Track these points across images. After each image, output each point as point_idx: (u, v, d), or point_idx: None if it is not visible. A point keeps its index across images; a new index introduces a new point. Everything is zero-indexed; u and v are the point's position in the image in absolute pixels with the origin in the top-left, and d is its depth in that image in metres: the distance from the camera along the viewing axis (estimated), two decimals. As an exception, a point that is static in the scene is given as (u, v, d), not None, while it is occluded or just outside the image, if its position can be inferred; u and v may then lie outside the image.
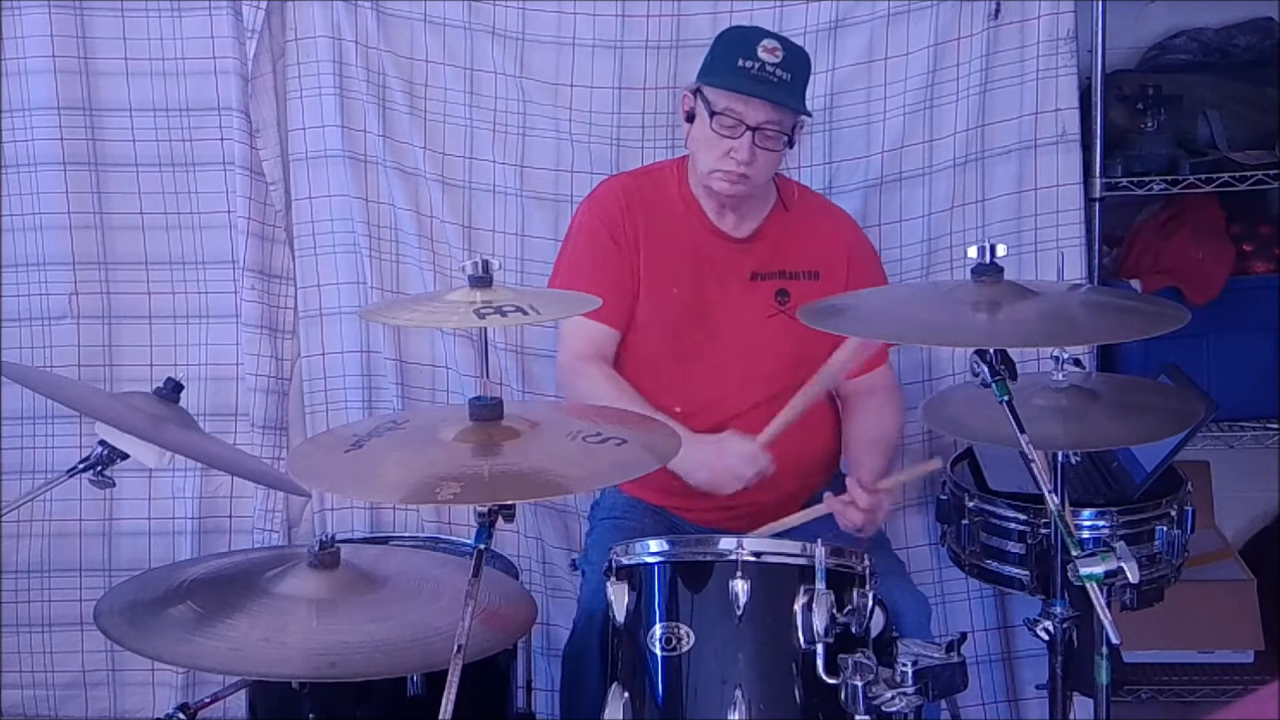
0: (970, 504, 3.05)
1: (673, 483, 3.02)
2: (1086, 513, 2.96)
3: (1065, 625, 2.68)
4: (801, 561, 2.52)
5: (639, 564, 2.61)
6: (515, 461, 2.22)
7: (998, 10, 3.50)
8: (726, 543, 2.57)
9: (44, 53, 3.52)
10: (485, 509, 2.21)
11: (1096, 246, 3.58)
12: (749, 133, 3.01)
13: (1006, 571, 3.01)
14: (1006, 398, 2.44)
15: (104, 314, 3.64)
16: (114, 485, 2.57)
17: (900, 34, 3.52)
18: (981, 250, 2.56)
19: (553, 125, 3.57)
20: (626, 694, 2.54)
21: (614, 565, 2.62)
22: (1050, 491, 2.45)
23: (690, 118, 3.11)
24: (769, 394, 3.12)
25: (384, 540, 3.36)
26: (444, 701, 2.13)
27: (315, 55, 3.56)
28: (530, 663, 3.07)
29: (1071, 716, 2.78)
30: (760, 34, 3.09)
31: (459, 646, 2.15)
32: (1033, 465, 2.43)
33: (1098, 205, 3.57)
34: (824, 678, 2.46)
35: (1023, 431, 2.42)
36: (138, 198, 3.60)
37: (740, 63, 3.02)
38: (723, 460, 2.98)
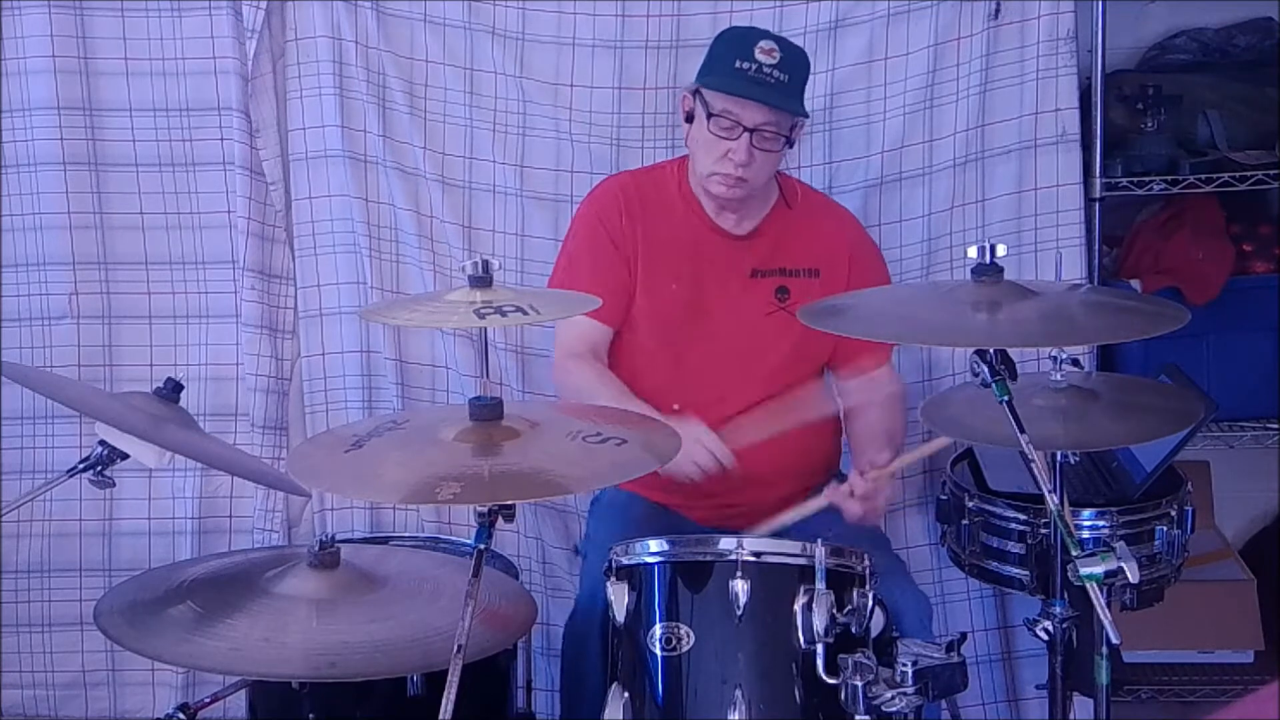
0: (970, 504, 3.05)
1: (672, 481, 3.02)
2: (1086, 513, 2.96)
3: (1065, 625, 2.68)
4: (801, 561, 2.52)
5: (639, 564, 2.61)
6: (515, 461, 2.22)
7: (998, 10, 3.50)
8: (726, 543, 2.57)
9: (44, 53, 3.52)
10: (485, 509, 2.21)
11: (1096, 246, 3.58)
12: (746, 134, 3.01)
13: (1006, 571, 3.01)
14: (1006, 398, 2.44)
15: (104, 314, 3.64)
16: (114, 485, 2.57)
17: (900, 34, 3.52)
18: (981, 250, 2.56)
19: (553, 125, 3.57)
20: (626, 694, 2.54)
21: (614, 565, 2.62)
22: (1050, 491, 2.45)
23: (690, 118, 3.11)
24: (768, 391, 3.12)
25: (384, 540, 3.36)
26: (444, 701, 2.13)
27: (315, 55, 3.56)
28: (530, 663, 3.07)
29: (1071, 716, 2.78)
30: (758, 35, 3.09)
31: (459, 646, 2.15)
32: (1033, 465, 2.43)
33: (1098, 205, 3.57)
34: (824, 678, 2.45)
35: (1023, 431, 2.42)
36: (138, 198, 3.60)
37: (737, 64, 3.02)
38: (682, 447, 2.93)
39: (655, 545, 2.62)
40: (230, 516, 3.66)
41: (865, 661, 2.43)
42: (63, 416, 3.57)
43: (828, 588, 2.47)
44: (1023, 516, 2.98)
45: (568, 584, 3.59)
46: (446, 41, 3.56)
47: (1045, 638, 2.71)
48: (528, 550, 3.64)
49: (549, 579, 3.65)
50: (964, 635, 2.52)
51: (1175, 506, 3.00)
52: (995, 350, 2.45)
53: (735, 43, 3.07)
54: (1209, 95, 3.79)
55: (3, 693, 3.64)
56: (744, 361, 3.13)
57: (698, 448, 2.91)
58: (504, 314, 2.26)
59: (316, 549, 2.42)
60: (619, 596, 2.58)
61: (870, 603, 2.53)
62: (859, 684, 2.41)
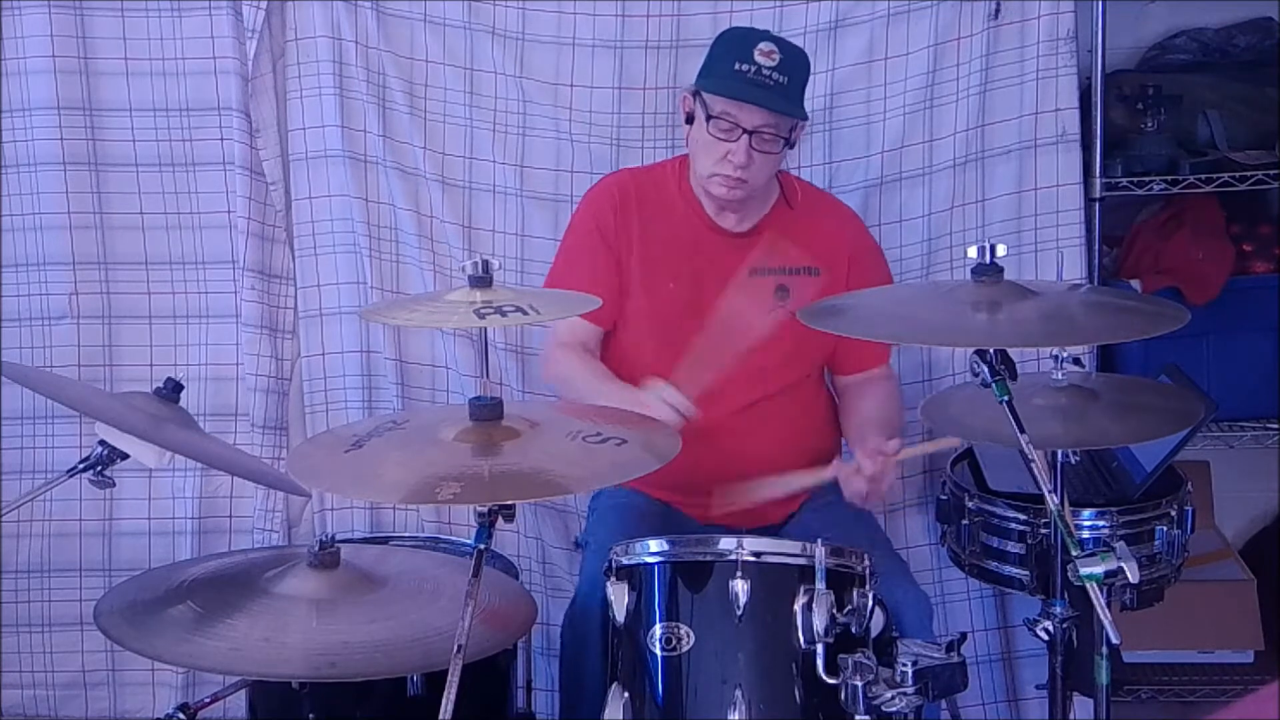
0: (970, 504, 3.05)
1: (672, 479, 3.02)
2: (1086, 513, 2.96)
3: (1065, 625, 2.68)
4: (801, 561, 2.52)
5: (639, 564, 2.61)
6: (515, 461, 2.23)
7: (998, 10, 3.50)
8: (726, 543, 2.57)
9: (44, 53, 3.52)
10: (485, 509, 2.21)
11: (1096, 246, 3.58)
12: (745, 136, 3.01)
13: (1006, 571, 3.01)
14: (1006, 398, 2.44)
15: (104, 314, 3.64)
16: (114, 485, 2.57)
17: (900, 34, 3.52)
18: (981, 250, 2.56)
19: (553, 125, 3.57)
20: (626, 694, 2.54)
21: (614, 565, 2.62)
22: (1050, 491, 2.44)
23: (689, 119, 3.11)
24: (767, 389, 3.12)
25: (384, 540, 3.36)
26: (444, 701, 2.13)
27: (315, 55, 3.56)
28: (530, 663, 3.07)
29: (1071, 716, 2.78)
30: (758, 36, 3.08)
31: (459, 646, 2.15)
32: (1033, 465, 2.43)
33: (1098, 205, 3.57)
34: (824, 678, 2.45)
35: (1023, 431, 2.42)
36: (138, 198, 3.60)
37: (736, 66, 3.01)
38: (643, 407, 2.89)
39: (655, 545, 2.62)
40: (230, 516, 3.66)
41: (865, 661, 2.43)
42: (63, 416, 3.57)
43: (828, 588, 2.47)
44: (1023, 516, 2.98)
45: (568, 584, 3.58)
46: (446, 41, 3.56)
47: (1045, 638, 2.71)
48: (528, 550, 3.64)
49: (549, 579, 3.65)
50: (964, 635, 2.52)
51: (1175, 506, 3.00)
52: (995, 350, 2.45)
53: (735, 44, 3.07)
54: (1209, 95, 3.79)
55: (3, 693, 3.64)
56: (743, 360, 3.13)
57: (660, 405, 2.88)
58: (504, 314, 2.26)
59: (316, 549, 2.42)
60: (619, 596, 2.58)
61: (870, 603, 2.53)
62: (859, 684, 2.41)
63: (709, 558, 2.58)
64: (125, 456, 2.53)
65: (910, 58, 3.52)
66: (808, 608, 2.48)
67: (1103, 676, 2.53)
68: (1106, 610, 2.35)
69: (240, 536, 3.65)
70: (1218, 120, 3.75)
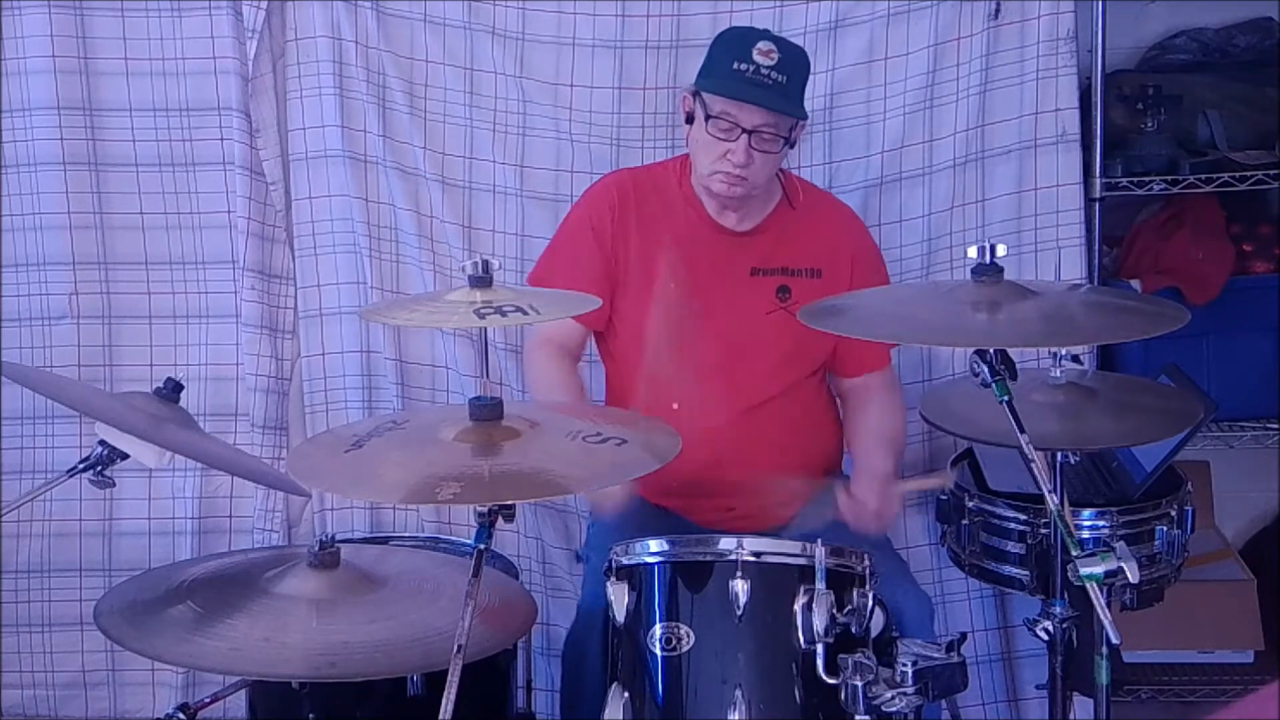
0: (970, 504, 3.05)
1: (672, 483, 3.02)
2: (1086, 513, 2.96)
3: (1065, 625, 2.68)
4: (801, 561, 2.52)
5: (639, 564, 2.61)
6: (515, 461, 2.23)
7: (998, 10, 3.50)
8: (726, 543, 2.57)
9: (44, 53, 3.51)
10: (485, 509, 2.21)
11: (1096, 246, 3.58)
12: (745, 136, 3.01)
13: (1006, 571, 3.01)
14: (1006, 398, 2.44)
15: (104, 314, 3.64)
16: (114, 485, 2.57)
17: (900, 34, 3.52)
18: (981, 250, 2.56)
19: (553, 125, 3.57)
20: (626, 694, 2.54)
21: (614, 565, 2.62)
22: (1050, 491, 2.44)
23: (689, 119, 3.11)
24: (767, 391, 3.12)
25: (384, 540, 3.36)
26: (444, 701, 2.13)
27: (315, 55, 3.56)
28: (530, 663, 3.07)
29: (1071, 716, 2.78)
30: (757, 36, 3.08)
31: (459, 646, 2.15)
32: (1033, 465, 2.43)
33: (1098, 205, 3.57)
34: (824, 678, 2.46)
35: (1023, 432, 2.42)
36: (138, 198, 3.60)
37: (735, 66, 3.01)
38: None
39: (655, 545, 2.62)
40: (230, 516, 3.66)
41: (865, 661, 2.43)
42: (63, 416, 3.57)
43: (828, 588, 2.47)
44: (1023, 516, 2.98)
45: (568, 584, 3.59)
46: (446, 41, 3.56)
47: (1045, 638, 2.71)
48: (528, 550, 3.64)
49: (549, 579, 3.65)
50: (964, 635, 2.52)
51: (1175, 506, 3.00)
52: (995, 350, 2.45)
53: (734, 44, 3.07)
54: (1209, 95, 3.79)
55: (3, 693, 3.64)
56: (744, 360, 3.13)
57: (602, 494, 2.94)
58: (504, 314, 2.26)
59: (316, 549, 2.42)
60: (619, 596, 2.58)
61: (870, 603, 2.53)
62: (859, 684, 2.41)
63: (709, 558, 2.58)
64: (125, 456, 2.53)
65: (910, 58, 3.52)
66: (808, 608, 2.48)
67: (1103, 676, 2.53)
68: (1106, 610, 2.35)
69: (240, 536, 3.65)
70: (1218, 120, 3.75)
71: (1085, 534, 2.93)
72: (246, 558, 2.67)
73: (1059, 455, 2.64)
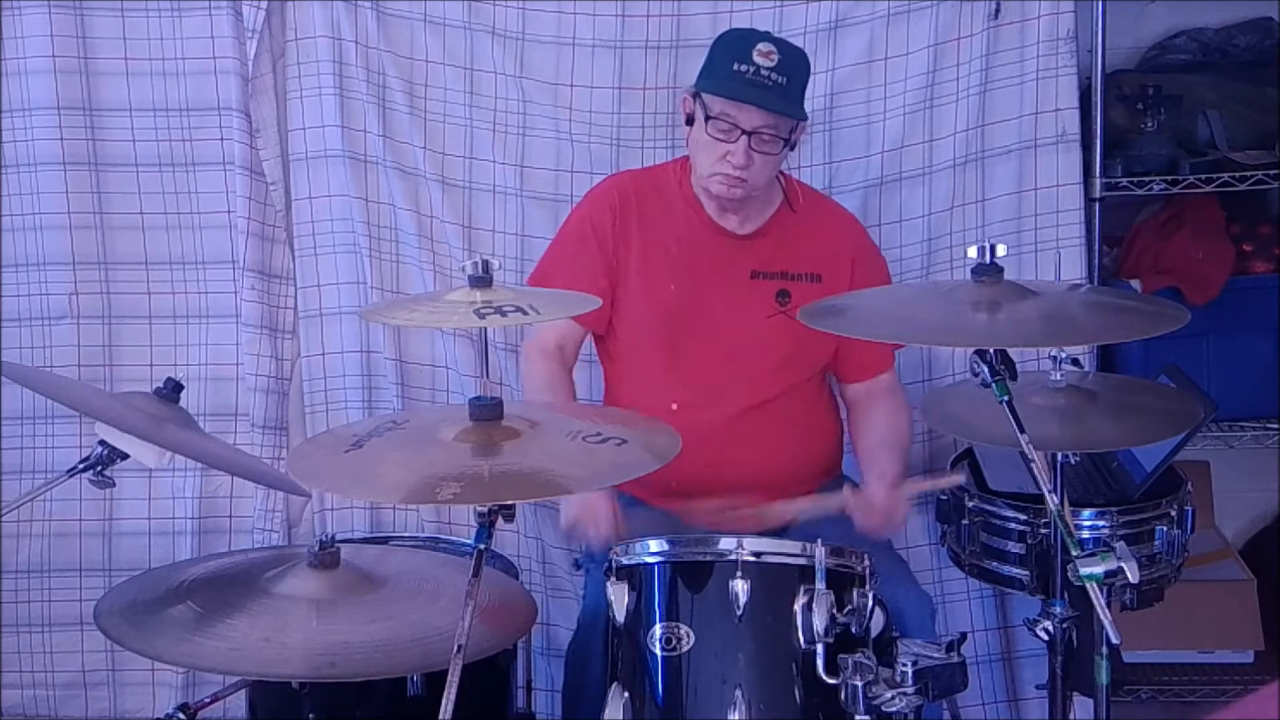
0: (970, 504, 3.05)
1: (673, 486, 3.02)
2: (1086, 513, 2.96)
3: (1065, 625, 2.68)
4: (801, 561, 2.52)
5: (639, 564, 2.61)
6: (515, 461, 2.22)
7: (998, 10, 3.50)
8: (726, 542, 2.57)
9: (44, 53, 3.52)
10: (485, 509, 2.21)
11: (1096, 246, 3.58)
12: (744, 137, 3.00)
13: (1006, 571, 3.02)
14: (1006, 398, 2.44)
15: (104, 314, 3.64)
16: (114, 485, 2.57)
17: (900, 34, 3.52)
18: (981, 250, 2.56)
19: (553, 125, 3.57)
20: (626, 694, 2.54)
21: (614, 565, 2.62)
22: (1050, 491, 2.44)
23: (690, 120, 3.11)
24: (767, 393, 3.12)
25: (384, 540, 3.36)
26: (444, 701, 2.13)
27: (315, 55, 3.56)
28: (530, 663, 3.07)
29: (1071, 716, 2.78)
30: (757, 37, 3.07)
31: (459, 646, 2.15)
32: (1033, 465, 2.43)
33: (1098, 205, 3.57)
34: (824, 678, 2.46)
35: (1023, 432, 2.42)
36: (138, 198, 3.60)
37: (735, 67, 3.01)
38: (589, 509, 2.93)
39: (655, 545, 2.62)
40: (230, 516, 3.66)
41: (865, 661, 2.43)
42: (63, 416, 3.57)
43: (828, 588, 2.47)
44: (1023, 516, 2.98)
45: (568, 584, 3.59)
46: (446, 41, 3.56)
47: (1045, 638, 2.71)
48: (528, 550, 3.64)
49: (549, 579, 3.65)
50: (964, 635, 2.52)
51: (1175, 506, 3.00)
52: (995, 350, 2.45)
53: (733, 45, 3.07)
54: (1209, 95, 3.79)
55: (3, 693, 3.64)
56: (743, 363, 3.13)
57: (590, 526, 2.91)
58: (504, 314, 2.26)
59: (316, 549, 2.42)
60: (619, 596, 2.58)
61: (870, 603, 2.53)
62: (859, 684, 2.41)
63: (709, 557, 2.58)
64: (125, 456, 2.53)
65: (910, 58, 3.52)
66: (808, 608, 2.48)
67: (1103, 676, 2.53)
68: (1106, 610, 2.35)
69: (240, 536, 3.64)
70: (1218, 120, 3.75)
71: (1085, 534, 2.93)
72: (246, 558, 2.67)
73: (1059, 455, 2.64)
